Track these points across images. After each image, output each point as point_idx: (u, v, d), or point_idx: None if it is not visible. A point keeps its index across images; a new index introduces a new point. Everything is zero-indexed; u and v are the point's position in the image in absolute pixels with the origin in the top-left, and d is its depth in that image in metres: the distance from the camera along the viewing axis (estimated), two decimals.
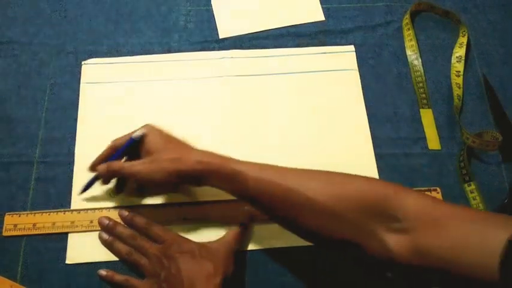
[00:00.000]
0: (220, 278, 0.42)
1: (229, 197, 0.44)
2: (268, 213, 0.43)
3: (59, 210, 0.49)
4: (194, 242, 0.45)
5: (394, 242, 0.36)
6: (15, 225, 0.48)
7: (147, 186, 0.46)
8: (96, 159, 0.47)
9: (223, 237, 0.46)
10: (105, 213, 0.49)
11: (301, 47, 0.59)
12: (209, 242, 0.45)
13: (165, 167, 0.43)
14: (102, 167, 0.46)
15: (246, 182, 0.41)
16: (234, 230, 0.47)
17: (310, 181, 0.40)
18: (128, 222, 0.48)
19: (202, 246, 0.44)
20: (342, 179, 0.40)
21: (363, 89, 0.57)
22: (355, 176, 0.40)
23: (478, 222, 0.34)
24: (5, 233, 0.48)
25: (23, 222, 0.48)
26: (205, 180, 0.43)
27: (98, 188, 0.50)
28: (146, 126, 0.47)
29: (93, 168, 0.47)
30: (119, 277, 0.45)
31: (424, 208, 0.36)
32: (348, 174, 0.41)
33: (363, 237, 0.38)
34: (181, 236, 0.46)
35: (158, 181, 0.43)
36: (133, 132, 0.46)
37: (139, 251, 0.45)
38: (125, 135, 0.47)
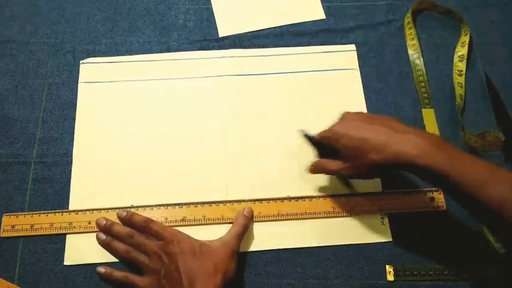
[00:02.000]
0: (221, 277, 0.41)
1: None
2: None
3: (56, 211, 0.49)
4: (194, 239, 0.45)
5: None
6: (12, 226, 0.48)
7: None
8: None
9: (224, 236, 0.46)
10: (103, 214, 0.48)
11: (302, 46, 0.59)
12: (210, 241, 0.45)
13: (370, 171, 0.42)
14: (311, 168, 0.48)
15: (449, 184, 0.38)
16: (234, 229, 0.46)
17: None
18: (127, 222, 0.47)
19: (202, 244, 0.44)
20: None
21: (364, 88, 0.56)
22: None
23: None
24: (2, 234, 0.48)
25: (21, 223, 0.48)
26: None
27: (98, 189, 0.50)
28: (338, 124, 0.45)
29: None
30: (118, 274, 0.45)
31: None
32: None
33: None
34: (182, 233, 0.46)
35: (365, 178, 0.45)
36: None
37: (138, 248, 0.45)
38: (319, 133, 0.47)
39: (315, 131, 0.48)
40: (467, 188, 0.38)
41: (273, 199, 0.49)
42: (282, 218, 0.49)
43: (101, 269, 0.46)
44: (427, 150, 0.39)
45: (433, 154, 0.39)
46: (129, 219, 0.47)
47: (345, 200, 0.50)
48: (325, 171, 0.47)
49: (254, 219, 0.49)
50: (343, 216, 0.49)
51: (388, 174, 0.49)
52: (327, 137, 0.45)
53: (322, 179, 0.51)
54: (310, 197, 0.50)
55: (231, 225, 0.47)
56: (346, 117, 0.46)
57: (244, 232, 0.47)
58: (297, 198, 0.49)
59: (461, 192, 0.38)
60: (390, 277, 0.47)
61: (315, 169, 0.48)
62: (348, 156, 0.43)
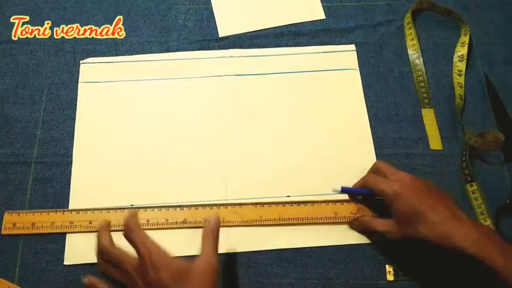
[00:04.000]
0: None
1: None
2: None
3: (57, 209, 0.49)
4: (176, 263, 0.39)
5: None
6: (14, 224, 0.48)
7: None
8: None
9: (203, 256, 0.40)
10: (104, 213, 0.48)
11: (302, 46, 0.59)
12: (190, 264, 0.39)
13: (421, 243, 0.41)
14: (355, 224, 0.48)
15: (500, 278, 0.37)
16: (210, 245, 0.40)
17: None
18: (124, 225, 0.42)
19: (184, 271, 0.38)
20: None
21: (363, 88, 0.56)
22: None
23: None
24: (3, 232, 0.48)
25: (22, 221, 0.48)
26: None
27: (98, 189, 0.50)
28: (398, 184, 0.43)
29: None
30: (101, 286, 0.41)
31: None
32: None
33: None
34: (161, 253, 0.39)
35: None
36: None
37: (114, 265, 0.41)
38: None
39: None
40: None
41: (274, 203, 0.49)
42: (282, 222, 0.48)
43: (85, 280, 0.42)
44: (480, 241, 0.39)
45: (485, 245, 0.38)
46: (124, 221, 0.41)
47: (347, 205, 0.49)
48: (369, 230, 0.47)
49: (255, 223, 0.48)
50: (345, 223, 0.49)
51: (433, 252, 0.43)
52: (384, 192, 0.44)
53: (324, 183, 0.50)
54: (312, 202, 0.49)
55: (231, 228, 0.47)
56: (404, 179, 0.44)
57: (218, 242, 0.41)
58: (298, 203, 0.49)
59: None
60: (390, 277, 0.47)
61: (360, 226, 0.47)
62: (399, 221, 0.43)
